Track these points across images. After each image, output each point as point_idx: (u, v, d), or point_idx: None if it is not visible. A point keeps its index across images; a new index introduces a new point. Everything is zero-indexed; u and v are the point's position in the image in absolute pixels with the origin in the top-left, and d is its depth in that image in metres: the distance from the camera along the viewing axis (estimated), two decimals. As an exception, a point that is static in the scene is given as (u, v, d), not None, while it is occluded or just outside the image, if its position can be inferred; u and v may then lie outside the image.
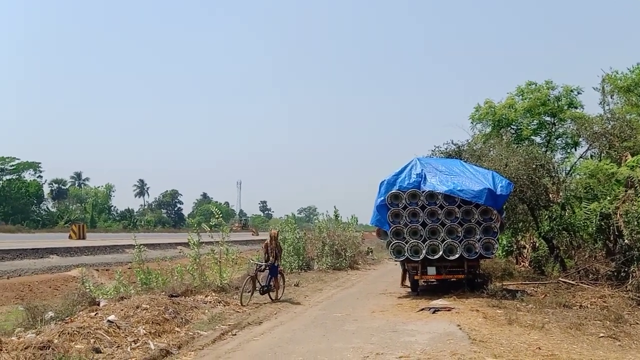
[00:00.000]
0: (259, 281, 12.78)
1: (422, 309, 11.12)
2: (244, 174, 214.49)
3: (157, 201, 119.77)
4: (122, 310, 8.95)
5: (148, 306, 9.18)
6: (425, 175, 13.65)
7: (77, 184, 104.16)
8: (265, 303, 12.52)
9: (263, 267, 12.86)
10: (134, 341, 7.80)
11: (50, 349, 6.88)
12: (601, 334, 9.02)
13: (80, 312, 9.06)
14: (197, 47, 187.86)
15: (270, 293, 12.93)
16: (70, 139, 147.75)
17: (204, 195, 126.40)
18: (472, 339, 8.16)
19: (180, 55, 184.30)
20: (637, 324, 9.86)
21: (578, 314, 10.63)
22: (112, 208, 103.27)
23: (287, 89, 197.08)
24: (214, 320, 9.92)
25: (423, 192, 13.40)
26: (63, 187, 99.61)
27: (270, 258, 12.91)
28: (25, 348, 6.68)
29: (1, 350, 6.61)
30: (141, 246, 14.18)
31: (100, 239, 34.95)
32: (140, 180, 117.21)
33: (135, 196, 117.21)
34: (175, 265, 14.97)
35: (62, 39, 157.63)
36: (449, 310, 10.86)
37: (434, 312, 10.70)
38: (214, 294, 12.45)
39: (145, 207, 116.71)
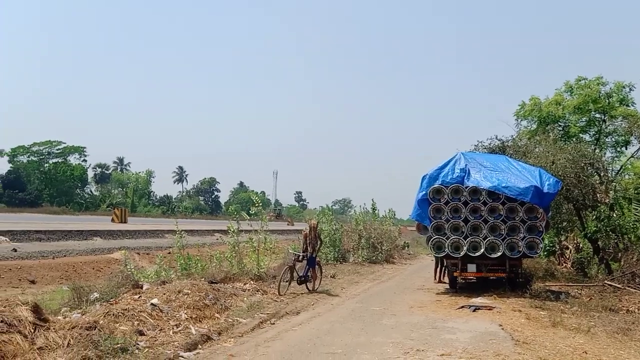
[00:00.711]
0: (296, 271, 12.81)
1: (462, 307, 10.91)
2: (281, 164, 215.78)
3: (195, 188, 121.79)
4: (164, 294, 9.10)
5: (189, 291, 9.31)
6: (469, 170, 13.37)
7: (119, 169, 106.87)
8: (302, 293, 12.55)
9: (301, 257, 12.87)
10: (176, 325, 7.93)
11: (96, 329, 7.03)
12: (651, 341, 8.65)
13: (124, 294, 9.25)
14: (229, 34, 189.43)
15: (308, 284, 12.95)
16: (114, 125, 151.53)
17: (241, 184, 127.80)
18: (515, 340, 7.96)
19: (217, 43, 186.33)
20: (690, 331, 9.39)
21: (625, 318, 10.22)
22: (152, 193, 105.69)
23: (320, 79, 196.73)
24: (252, 308, 9.99)
25: (466, 187, 13.14)
26: (106, 171, 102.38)
27: (309, 249, 12.92)
28: (72, 328, 6.84)
29: (49, 329, 6.80)
30: (182, 232, 14.41)
31: (141, 224, 35.84)
32: (179, 167, 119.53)
33: (174, 182, 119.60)
34: (214, 252, 15.17)
35: (103, 19, 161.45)
36: (489, 309, 10.63)
37: (474, 311, 10.49)
38: (252, 282, 12.56)
39: (184, 193, 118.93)
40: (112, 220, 36.96)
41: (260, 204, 15.18)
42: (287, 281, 12.61)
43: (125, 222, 36.42)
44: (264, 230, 15.09)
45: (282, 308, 10.51)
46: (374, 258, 22.77)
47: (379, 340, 7.92)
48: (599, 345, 8.17)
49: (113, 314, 7.80)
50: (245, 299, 10.69)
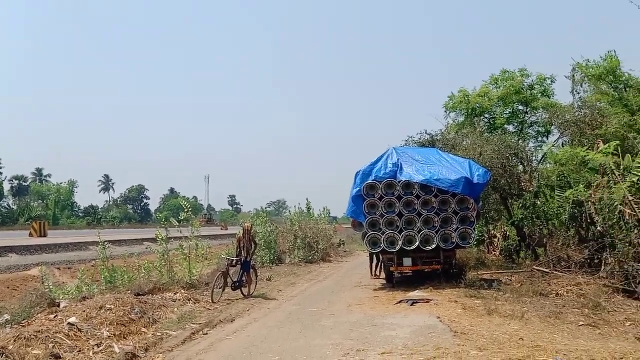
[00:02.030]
0: (230, 277, 12.29)
1: (400, 302, 10.83)
2: (212, 169, 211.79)
3: (122, 197, 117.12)
4: (84, 311, 8.35)
5: (113, 306, 8.61)
6: (401, 164, 13.37)
7: (38, 181, 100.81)
8: (237, 299, 12.04)
9: (235, 262, 12.36)
10: (97, 345, 7.25)
11: (4, 356, 6.29)
12: (581, 323, 8.87)
13: (39, 315, 8.42)
14: (164, 42, 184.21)
15: (243, 289, 12.46)
16: (32, 133, 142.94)
17: (172, 190, 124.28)
18: (454, 332, 7.91)
19: (144, 42, 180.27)
20: (615, 311, 9.76)
21: (556, 302, 10.50)
22: (75, 205, 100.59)
23: (256, 84, 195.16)
24: (183, 319, 9.40)
25: (399, 182, 13.12)
26: (24, 183, 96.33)
27: (243, 253, 12.42)
28: (-24, 356, 6.08)
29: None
30: (105, 243, 13.49)
31: (62, 237, 33.69)
32: (105, 175, 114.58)
33: (100, 192, 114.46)
34: (142, 262, 14.34)
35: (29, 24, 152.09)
36: (427, 302, 10.61)
37: (412, 305, 10.42)
38: (183, 291, 11.88)
39: (111, 203, 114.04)
40: (30, 234, 34.50)
41: (190, 209, 14.48)
42: (220, 288, 12.06)
43: (44, 235, 34.10)
44: (194, 236, 14.42)
45: (215, 316, 9.97)
46: (311, 258, 22.52)
47: (318, 343, 7.61)
48: (533, 330, 8.28)
49: (25, 338, 7.03)
50: (175, 309, 10.07)
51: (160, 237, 13.94)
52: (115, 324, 8.04)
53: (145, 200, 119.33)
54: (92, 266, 16.41)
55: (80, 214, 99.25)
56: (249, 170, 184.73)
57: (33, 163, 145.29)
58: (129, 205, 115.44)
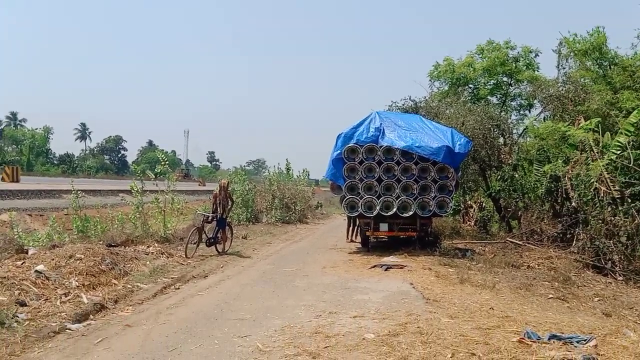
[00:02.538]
0: (205, 233, 12.16)
1: (374, 266, 10.87)
2: (193, 123, 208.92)
3: (99, 147, 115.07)
4: (53, 259, 8.14)
5: (83, 256, 8.41)
6: (383, 129, 13.22)
7: (12, 125, 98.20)
8: (211, 256, 11.97)
9: (210, 218, 12.22)
10: (64, 294, 7.09)
11: (-34, 301, 6.11)
12: (550, 295, 9.02)
13: (5, 261, 8.18)
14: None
15: (217, 245, 12.37)
16: (6, 79, 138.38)
17: (150, 143, 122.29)
18: (426, 299, 7.95)
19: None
20: (584, 285, 9.96)
21: (526, 274, 10.66)
22: (50, 152, 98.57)
23: (244, 41, 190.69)
24: (155, 273, 9.28)
25: (381, 146, 12.99)
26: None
27: (219, 209, 12.27)
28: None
29: None
30: (78, 191, 13.18)
31: (36, 183, 32.96)
32: (81, 124, 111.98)
33: (76, 140, 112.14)
34: (116, 213, 14.09)
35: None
36: (401, 268, 10.66)
37: (386, 270, 10.47)
38: (156, 244, 11.73)
39: (87, 152, 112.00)
40: (2, 179, 33.67)
41: (167, 162, 14.18)
42: (194, 243, 11.95)
43: (17, 181, 33.30)
44: (170, 190, 14.18)
45: (188, 272, 9.89)
46: (287, 218, 22.54)
47: (290, 303, 7.58)
48: (503, 300, 8.37)
49: (-11, 283, 6.83)
50: (148, 262, 9.93)
51: (135, 189, 13.67)
52: (85, 273, 7.87)
53: (122, 152, 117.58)
54: (65, 214, 16.06)
55: (55, 162, 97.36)
56: (230, 127, 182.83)
57: (7, 106, 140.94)
58: (105, 156, 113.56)
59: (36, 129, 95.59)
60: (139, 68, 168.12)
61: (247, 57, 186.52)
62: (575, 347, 5.54)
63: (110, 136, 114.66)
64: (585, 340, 5.72)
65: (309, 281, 9.38)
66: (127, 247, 10.81)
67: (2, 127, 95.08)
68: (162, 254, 10.99)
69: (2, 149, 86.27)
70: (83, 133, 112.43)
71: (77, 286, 7.43)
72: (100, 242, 10.82)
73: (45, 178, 51.76)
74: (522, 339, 5.75)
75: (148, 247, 11.30)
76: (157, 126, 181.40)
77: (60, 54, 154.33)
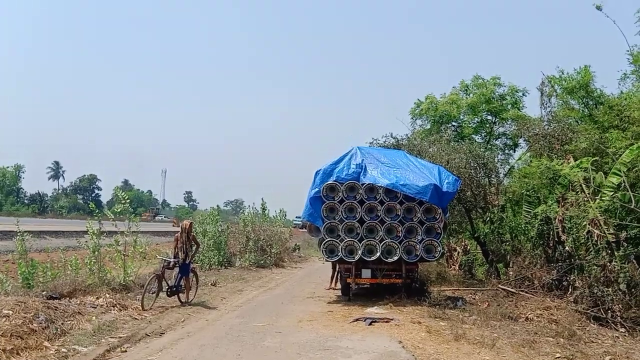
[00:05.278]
0: (166, 280, 10.81)
1: (357, 319, 9.60)
2: (170, 162, 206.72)
3: (73, 186, 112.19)
4: (-29, 317, 6.75)
5: (10, 312, 7.04)
6: (365, 166, 12.23)
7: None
8: (173, 307, 10.59)
9: (172, 263, 10.89)
10: (-26, 364, 5.71)
11: None
12: (557, 355, 7.89)
13: None
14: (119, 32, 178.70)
15: (180, 295, 11.01)
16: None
17: (126, 182, 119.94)
18: (419, 362, 6.73)
19: (104, 35, 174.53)
20: (592, 342, 8.84)
21: (527, 328, 9.52)
22: (21, 191, 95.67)
23: (218, 77, 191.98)
24: (100, 331, 7.87)
25: (363, 184, 11.96)
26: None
27: (180, 254, 10.95)
28: None
29: None
30: (24, 233, 11.75)
31: (-4, 224, 30.99)
32: (55, 162, 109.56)
33: (49, 179, 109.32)
34: (69, 257, 12.64)
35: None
36: (387, 321, 9.42)
37: (370, 324, 9.21)
38: (108, 295, 10.27)
39: (60, 191, 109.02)
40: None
41: (128, 201, 12.90)
42: (153, 293, 10.58)
43: (-26, 222, 31.35)
44: (132, 231, 12.84)
45: (142, 328, 8.50)
46: (262, 262, 21.15)
47: (257, 371, 6.29)
48: (507, 362, 7.23)
49: None
50: (94, 318, 8.51)
51: (92, 231, 12.30)
52: (9, 335, 6.48)
53: (96, 191, 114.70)
54: (5, 261, 14.50)
55: (26, 201, 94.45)
56: (207, 167, 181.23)
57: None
58: (79, 195, 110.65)
59: (7, 167, 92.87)
60: (117, 105, 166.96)
61: (224, 96, 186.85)
62: None
63: (85, 175, 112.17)
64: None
65: (282, 339, 8.07)
66: (72, 299, 9.39)
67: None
68: (113, 306, 9.56)
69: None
70: (56, 172, 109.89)
71: (-5, 352, 6.04)
72: (44, 292, 9.40)
73: (10, 218, 49.39)
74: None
75: (98, 298, 9.87)
76: (134, 166, 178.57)
77: (34, 89, 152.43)
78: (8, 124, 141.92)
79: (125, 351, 7.15)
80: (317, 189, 12.07)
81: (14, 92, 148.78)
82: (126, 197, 12.82)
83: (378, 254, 11.64)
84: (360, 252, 11.65)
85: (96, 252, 12.11)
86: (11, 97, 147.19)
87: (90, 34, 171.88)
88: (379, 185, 11.85)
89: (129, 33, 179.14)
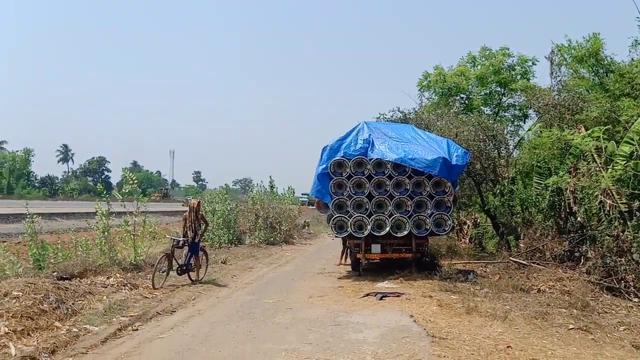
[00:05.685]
0: (175, 259, 10.82)
1: (367, 294, 9.57)
2: (179, 142, 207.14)
3: (82, 168, 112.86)
4: (-18, 299, 6.78)
5: (20, 293, 7.05)
6: (373, 141, 12.06)
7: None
8: (183, 285, 10.60)
9: (180, 242, 10.89)
10: (-14, 344, 5.72)
11: None
12: (570, 326, 7.81)
13: None
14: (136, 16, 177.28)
15: (191, 273, 11.02)
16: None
17: (134, 164, 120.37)
18: (431, 336, 6.68)
19: (114, 20, 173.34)
20: (606, 312, 8.76)
21: (539, 299, 9.45)
22: (32, 174, 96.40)
23: (224, 56, 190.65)
24: (111, 310, 7.89)
25: (370, 159, 11.82)
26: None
27: (189, 233, 10.94)
28: None
29: None
30: (34, 215, 11.77)
31: (7, 206, 31.30)
32: (63, 145, 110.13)
33: (59, 162, 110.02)
34: (79, 238, 12.69)
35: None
36: (397, 296, 9.38)
37: (381, 299, 9.17)
38: (118, 275, 10.30)
39: (69, 174, 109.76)
40: (-29, 203, 32.01)
41: (136, 181, 12.87)
42: (163, 272, 10.59)
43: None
44: (141, 212, 12.84)
45: (152, 307, 8.51)
46: (272, 239, 21.20)
47: (268, 347, 6.26)
48: (519, 334, 7.18)
49: None
50: (105, 297, 8.53)
51: (100, 212, 12.31)
52: (20, 316, 6.50)
53: (106, 173, 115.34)
54: (17, 243, 14.58)
55: (37, 184, 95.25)
56: (216, 147, 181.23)
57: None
58: (88, 177, 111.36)
59: (17, 151, 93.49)
60: (124, 87, 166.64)
61: (232, 76, 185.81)
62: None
63: (94, 157, 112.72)
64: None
65: (292, 315, 8.06)
66: (83, 279, 9.42)
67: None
68: (124, 285, 9.58)
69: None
70: (65, 155, 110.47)
71: (7, 333, 6.05)
72: (54, 273, 9.43)
73: (21, 201, 49.84)
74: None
75: (108, 277, 9.90)
76: (143, 145, 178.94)
77: (39, 73, 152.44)
78: (17, 108, 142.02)
79: (137, 329, 7.16)
80: (324, 165, 11.96)
81: (22, 77, 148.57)
82: (134, 178, 12.76)
83: (387, 229, 11.56)
84: (369, 227, 11.58)
85: (105, 233, 12.14)
86: (19, 81, 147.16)
87: (98, 18, 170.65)
88: (387, 160, 11.72)
89: (134, 16, 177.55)
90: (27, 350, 5.74)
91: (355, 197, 11.83)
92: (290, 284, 11.35)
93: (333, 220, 11.85)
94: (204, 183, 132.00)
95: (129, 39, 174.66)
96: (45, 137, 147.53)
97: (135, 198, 12.87)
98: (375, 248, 11.96)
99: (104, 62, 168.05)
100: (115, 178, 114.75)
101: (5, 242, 17.26)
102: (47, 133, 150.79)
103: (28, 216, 11.67)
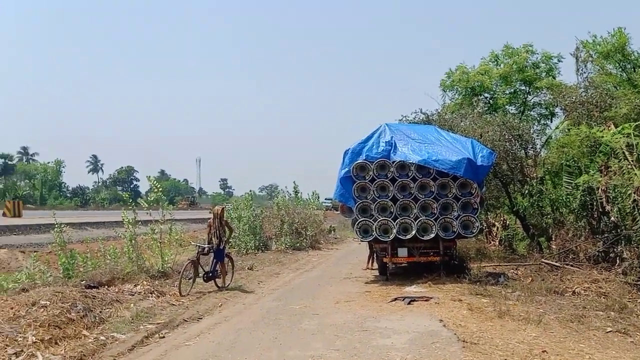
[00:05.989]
0: (201, 266, 10.83)
1: (395, 299, 9.40)
2: (205, 150, 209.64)
3: (112, 178, 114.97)
4: (11, 308, 6.86)
5: (48, 302, 7.11)
6: (395, 143, 11.92)
7: (24, 160, 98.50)
8: (210, 292, 10.60)
9: (206, 249, 10.90)
10: (15, 354, 5.76)
11: None
12: (608, 328, 7.53)
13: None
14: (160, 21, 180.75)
15: (217, 280, 11.02)
16: (17, 110, 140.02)
17: (162, 172, 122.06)
18: (462, 341, 6.49)
19: (136, 27, 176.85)
20: (645, 314, 8.43)
21: (574, 302, 9.15)
22: (64, 185, 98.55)
23: (251, 63, 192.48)
24: (138, 318, 7.91)
25: (393, 162, 11.68)
26: (10, 162, 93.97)
27: (214, 240, 10.94)
28: None
29: None
30: (62, 225, 11.95)
31: (39, 217, 31.96)
32: (93, 155, 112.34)
33: (89, 172, 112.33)
34: (107, 247, 12.83)
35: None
36: (426, 300, 9.19)
37: (409, 303, 8.99)
38: (145, 282, 10.35)
39: (100, 184, 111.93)
40: (4, 214, 32.77)
41: (161, 189, 12.96)
42: (190, 279, 10.61)
43: (19, 215, 32.38)
44: (167, 219, 12.92)
45: (179, 314, 8.52)
46: (298, 244, 21.13)
47: (294, 354, 6.16)
48: (554, 338, 6.93)
49: None
50: (132, 305, 8.57)
51: (127, 220, 12.44)
52: (47, 325, 6.55)
53: (134, 182, 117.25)
54: (48, 253, 14.82)
55: (68, 195, 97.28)
56: (242, 154, 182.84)
57: (19, 141, 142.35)
58: (118, 187, 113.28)
59: (48, 162, 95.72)
60: (150, 98, 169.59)
61: (256, 82, 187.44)
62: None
63: (122, 167, 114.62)
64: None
65: (319, 321, 7.95)
66: (110, 287, 9.49)
67: (14, 162, 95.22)
68: (151, 293, 9.62)
69: (15, 184, 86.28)
70: (95, 165, 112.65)
71: (34, 342, 6.10)
72: (82, 282, 9.53)
73: (55, 212, 50.93)
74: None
75: (135, 285, 9.96)
76: (169, 153, 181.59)
77: (66, 85, 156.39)
78: (49, 121, 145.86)
79: (164, 337, 7.15)
80: (347, 169, 11.86)
81: (53, 92, 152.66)
82: (159, 186, 12.86)
83: (413, 232, 11.39)
84: (395, 231, 11.42)
85: (133, 241, 12.25)
86: (51, 97, 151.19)
87: (117, 26, 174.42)
88: (411, 162, 11.56)
89: (162, 26, 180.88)
90: (55, 359, 5.76)
91: (379, 200, 11.69)
92: (316, 290, 11.25)
93: (357, 224, 11.73)
94: (230, 190, 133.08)
95: (151, 49, 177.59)
96: (75, 148, 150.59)
97: (160, 206, 12.96)
98: (402, 252, 11.78)
99: (131, 75, 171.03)
100: (143, 187, 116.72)
101: (36, 251, 17.64)
102: (76, 145, 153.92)
103: (56, 226, 11.85)
